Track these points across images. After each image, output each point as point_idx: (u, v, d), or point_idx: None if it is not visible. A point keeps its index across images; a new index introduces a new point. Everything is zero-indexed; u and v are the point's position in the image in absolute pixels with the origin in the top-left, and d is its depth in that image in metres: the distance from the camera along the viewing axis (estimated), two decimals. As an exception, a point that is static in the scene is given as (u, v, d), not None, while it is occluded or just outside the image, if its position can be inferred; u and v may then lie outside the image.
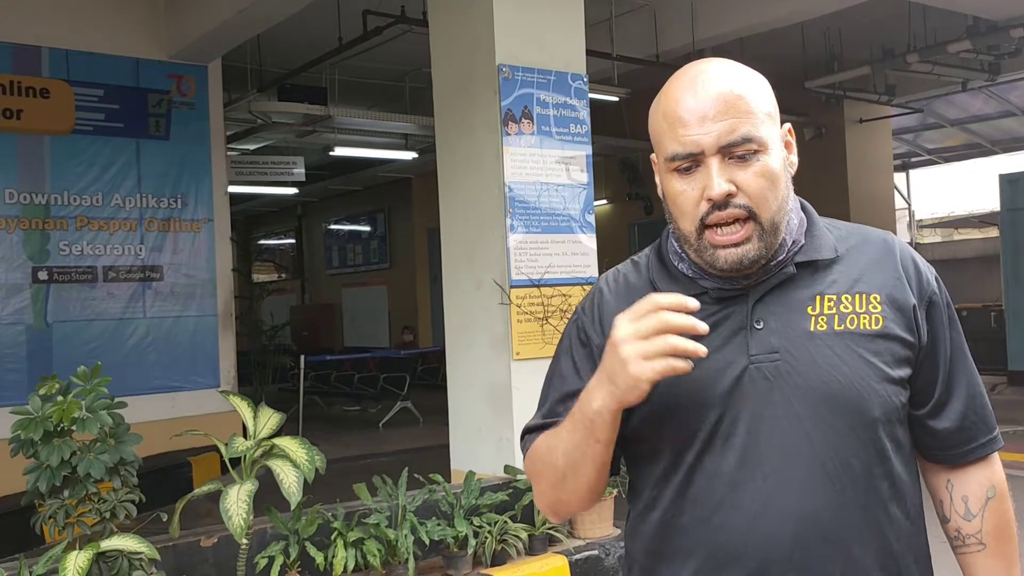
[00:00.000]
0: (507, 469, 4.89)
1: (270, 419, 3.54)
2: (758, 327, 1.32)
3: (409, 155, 12.66)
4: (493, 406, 5.20)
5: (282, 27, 7.68)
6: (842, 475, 1.28)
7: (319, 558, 3.88)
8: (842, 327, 1.31)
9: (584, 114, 5.52)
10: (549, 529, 4.64)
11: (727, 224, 1.28)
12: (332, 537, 4.00)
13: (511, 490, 4.70)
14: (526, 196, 5.21)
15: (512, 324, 5.08)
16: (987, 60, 10.61)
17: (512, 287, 5.10)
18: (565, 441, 1.32)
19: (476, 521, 4.41)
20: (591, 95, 5.67)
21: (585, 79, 5.54)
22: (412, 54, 9.22)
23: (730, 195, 1.27)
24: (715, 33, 9.13)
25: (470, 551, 4.27)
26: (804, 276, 1.35)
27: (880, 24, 10.20)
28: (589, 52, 5.72)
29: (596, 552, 4.67)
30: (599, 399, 1.25)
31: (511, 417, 5.06)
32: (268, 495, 3.62)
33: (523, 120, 5.23)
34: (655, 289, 1.39)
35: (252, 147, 12.49)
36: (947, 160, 17.75)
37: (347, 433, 10.83)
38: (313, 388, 12.25)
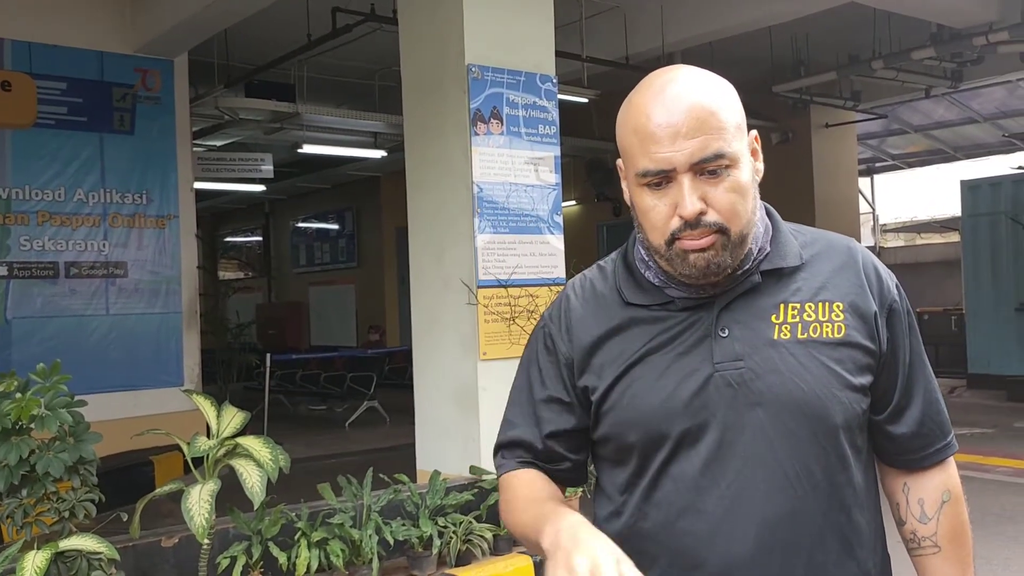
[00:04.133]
0: (473, 470, 4.89)
1: (234, 418, 3.51)
2: (723, 335, 1.33)
3: (378, 154, 12.61)
4: (460, 406, 5.19)
5: (250, 22, 7.62)
6: (804, 481, 1.30)
7: (282, 558, 3.85)
8: (805, 335, 1.33)
9: (553, 115, 5.53)
10: (514, 529, 4.64)
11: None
12: (296, 537, 3.97)
13: (476, 490, 4.70)
14: (494, 196, 5.21)
15: (479, 324, 5.07)
16: (950, 67, 10.77)
17: (479, 287, 5.09)
18: (530, 532, 1.31)
19: (441, 521, 4.40)
20: (560, 96, 5.68)
21: (554, 80, 5.55)
22: (382, 52, 9.18)
23: (701, 213, 1.27)
24: (684, 36, 9.19)
25: (435, 551, 4.26)
26: (769, 284, 1.37)
27: (846, 30, 10.32)
28: (559, 53, 5.73)
29: (561, 552, 4.67)
30: (544, 542, 1.21)
31: (477, 417, 5.05)
32: (231, 495, 3.59)
33: (492, 120, 5.23)
34: (621, 298, 1.40)
35: (219, 143, 12.37)
36: (911, 165, 17.99)
37: (313, 432, 10.77)
38: (279, 387, 12.17)
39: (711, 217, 1.27)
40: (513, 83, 5.34)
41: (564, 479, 1.46)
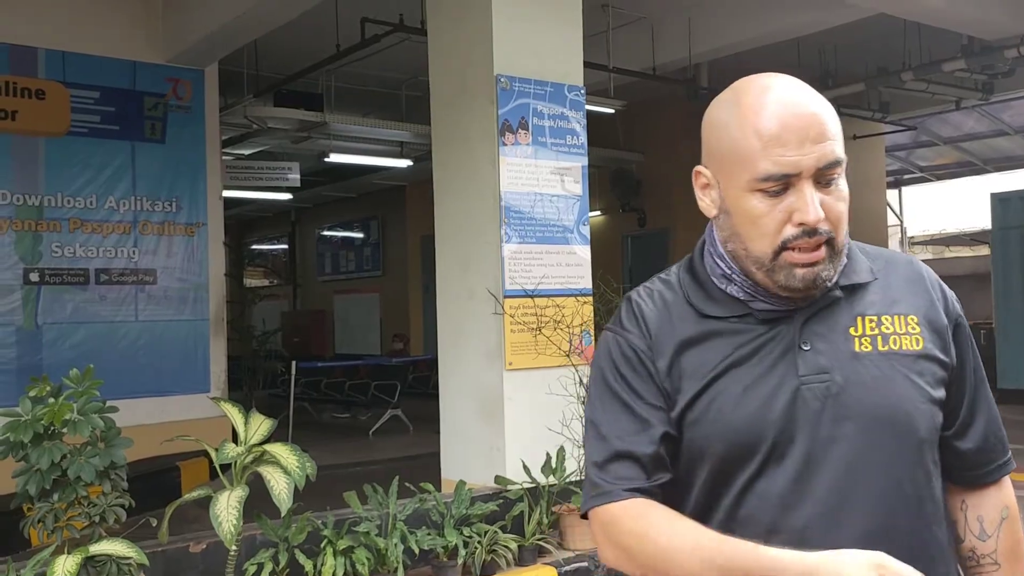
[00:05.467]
0: (498, 479, 4.89)
1: (261, 425, 3.54)
2: (805, 348, 1.31)
3: (404, 163, 12.67)
4: (485, 416, 5.19)
5: (280, 33, 7.69)
6: (895, 496, 1.28)
7: (308, 566, 3.87)
8: (886, 348, 1.32)
9: (580, 125, 5.54)
10: (539, 540, 4.63)
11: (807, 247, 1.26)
12: (322, 545, 3.99)
13: (501, 500, 4.70)
14: (521, 206, 5.22)
15: (505, 334, 5.08)
16: (981, 79, 10.67)
17: (506, 297, 5.10)
18: (700, 568, 1.20)
19: (466, 531, 4.40)
20: (587, 107, 5.69)
21: (582, 91, 5.56)
22: (409, 62, 9.24)
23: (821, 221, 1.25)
24: (711, 47, 9.17)
25: (460, 561, 4.27)
26: (844, 298, 1.35)
27: (875, 41, 10.26)
28: (586, 64, 5.74)
29: (585, 564, 4.66)
30: None
31: (502, 427, 5.05)
32: (257, 501, 3.61)
33: (519, 130, 5.24)
34: (694, 309, 1.36)
35: (247, 152, 12.48)
36: (939, 178, 17.83)
37: (337, 440, 10.80)
38: (303, 394, 12.22)
39: (824, 226, 1.25)
40: (540, 93, 5.35)
41: (661, 499, 1.32)
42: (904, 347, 1.32)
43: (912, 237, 19.36)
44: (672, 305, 1.38)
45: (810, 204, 1.23)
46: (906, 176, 17.96)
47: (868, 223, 12.77)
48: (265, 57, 9.71)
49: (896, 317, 1.34)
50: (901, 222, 18.84)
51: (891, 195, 17.38)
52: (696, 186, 1.36)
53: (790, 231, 1.25)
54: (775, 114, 1.25)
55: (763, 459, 1.27)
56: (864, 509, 1.26)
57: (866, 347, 1.31)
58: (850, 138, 12.75)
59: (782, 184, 1.24)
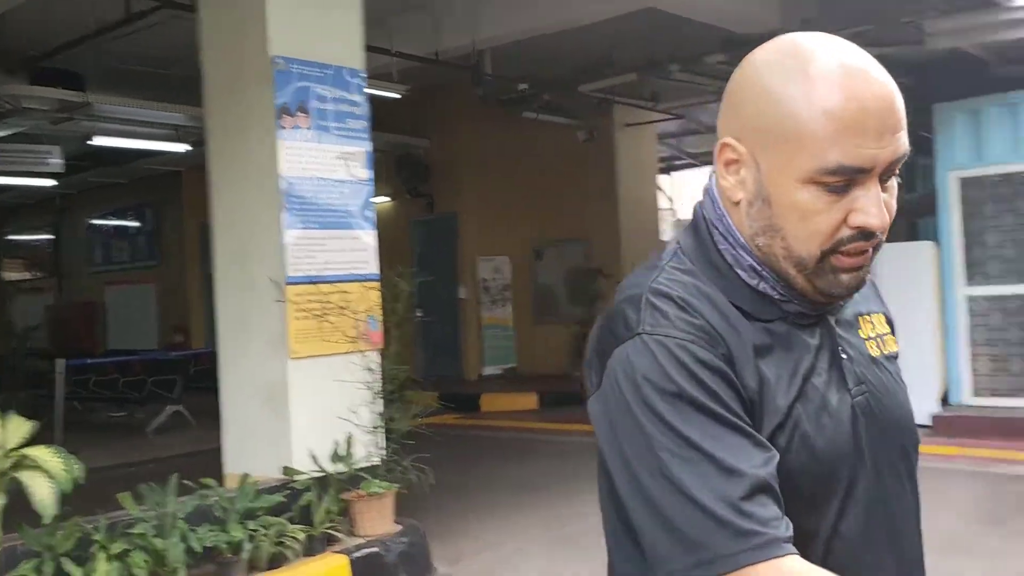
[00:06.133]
0: (286, 470, 4.79)
1: (19, 428, 3.29)
2: (844, 357, 1.13)
3: (181, 147, 12.08)
4: (269, 406, 5.07)
5: (34, 5, 7.12)
6: (917, 516, 1.19)
7: (78, 573, 3.64)
8: (886, 351, 1.20)
9: (362, 110, 5.48)
10: (328, 529, 4.58)
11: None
12: (93, 551, 3.76)
13: (288, 491, 4.61)
14: (303, 191, 5.11)
15: (289, 322, 4.97)
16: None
17: (288, 284, 4.99)
18: None
19: (252, 525, 4.29)
20: (370, 91, 5.64)
21: (363, 75, 5.50)
22: (181, 40, 8.80)
23: None
24: (494, 34, 9.33)
25: (244, 556, 4.15)
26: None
27: (649, 34, 10.77)
28: (368, 48, 5.69)
29: (377, 549, 4.66)
30: None
31: (288, 417, 4.95)
32: (21, 510, 3.36)
33: (299, 114, 5.13)
34: (741, 312, 1.08)
35: (1, 134, 11.51)
36: (707, 163, 19.01)
37: (113, 440, 10.24)
38: (73, 394, 11.46)
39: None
40: (321, 76, 5.25)
41: None
42: (891, 349, 1.22)
43: (681, 220, 20.55)
44: (719, 304, 1.08)
45: (878, 207, 1.02)
46: (676, 162, 19.03)
47: (641, 207, 13.42)
48: (18, 32, 8.96)
49: (875, 316, 1.23)
50: (672, 205, 19.96)
51: (663, 180, 18.38)
52: (719, 161, 1.10)
53: (845, 233, 1.04)
54: (855, 94, 1.00)
55: (844, 493, 1.08)
56: (912, 533, 1.17)
57: (875, 351, 1.18)
58: (625, 125, 13.35)
59: (848, 179, 1.02)
